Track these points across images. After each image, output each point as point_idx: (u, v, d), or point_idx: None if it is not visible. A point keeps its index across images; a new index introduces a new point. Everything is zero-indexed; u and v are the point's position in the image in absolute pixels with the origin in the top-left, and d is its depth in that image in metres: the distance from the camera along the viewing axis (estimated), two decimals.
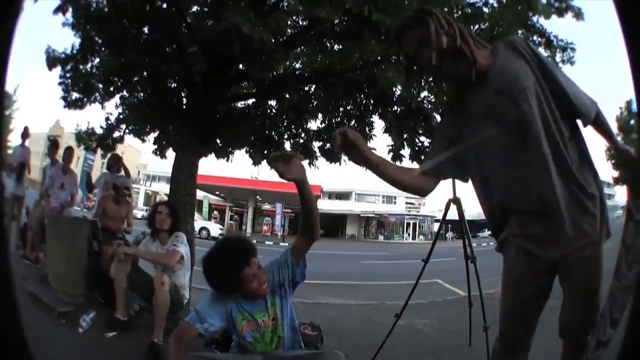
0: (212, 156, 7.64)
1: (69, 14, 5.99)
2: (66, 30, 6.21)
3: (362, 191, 45.78)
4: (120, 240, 4.75)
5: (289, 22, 6.70)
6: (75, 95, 7.16)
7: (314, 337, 4.03)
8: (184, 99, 6.81)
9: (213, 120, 6.22)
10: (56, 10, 5.91)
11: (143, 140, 7.96)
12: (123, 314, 4.11)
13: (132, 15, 5.38)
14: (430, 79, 3.64)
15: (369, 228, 47.42)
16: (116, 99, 7.57)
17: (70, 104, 7.16)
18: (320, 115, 7.43)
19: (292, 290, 2.53)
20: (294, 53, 6.83)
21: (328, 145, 7.40)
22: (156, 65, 6.24)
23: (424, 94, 6.31)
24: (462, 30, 1.73)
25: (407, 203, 47.13)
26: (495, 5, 5.22)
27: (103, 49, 6.31)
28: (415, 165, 6.18)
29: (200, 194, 28.12)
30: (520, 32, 5.14)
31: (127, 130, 7.85)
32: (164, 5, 5.56)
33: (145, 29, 5.98)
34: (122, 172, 6.77)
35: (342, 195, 46.86)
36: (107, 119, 7.63)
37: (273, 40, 4.51)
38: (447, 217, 4.36)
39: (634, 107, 20.43)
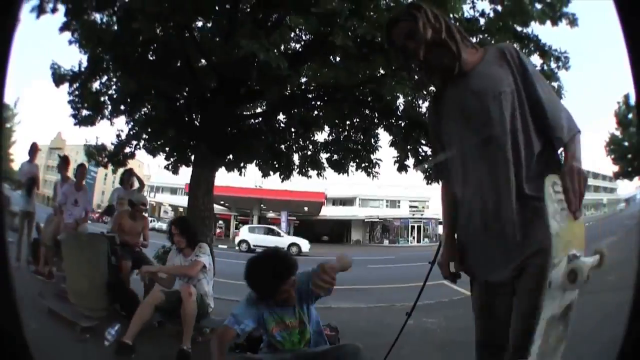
0: (222, 169, 7.81)
1: (69, 32, 6.30)
2: (63, 42, 6.43)
3: (366, 196, 45.74)
4: (147, 266, 4.90)
5: (292, 35, 6.93)
6: (85, 112, 7.37)
7: (332, 337, 4.28)
8: (195, 116, 7.03)
9: (227, 137, 6.51)
10: (62, 29, 6.14)
11: (154, 156, 8.18)
12: (131, 340, 3.90)
13: (145, 39, 5.60)
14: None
15: (373, 233, 47.26)
16: (125, 115, 7.78)
17: (80, 121, 7.38)
18: (326, 128, 7.73)
19: (314, 300, 2.85)
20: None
21: (335, 156, 7.64)
22: (168, 86, 6.50)
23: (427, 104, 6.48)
24: (449, 25, 1.75)
25: (410, 206, 47.05)
26: (492, 15, 5.43)
27: (115, 70, 6.53)
28: (419, 173, 6.54)
29: None
30: (515, 44, 5.30)
31: (138, 146, 8.07)
32: (174, 29, 5.79)
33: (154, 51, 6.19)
34: (136, 183, 6.91)
35: (346, 201, 46.81)
36: (118, 135, 7.87)
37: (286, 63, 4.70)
38: None
39: (632, 101, 20.55)
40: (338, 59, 6.29)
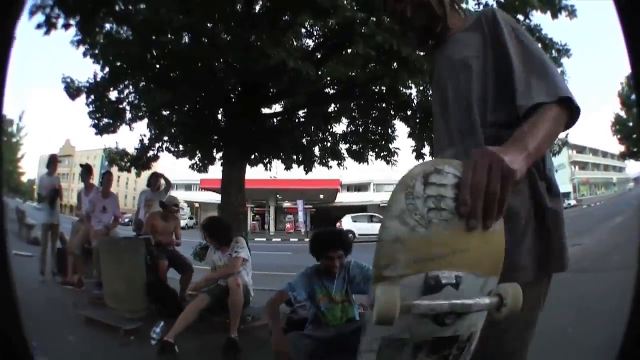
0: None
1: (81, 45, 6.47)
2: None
3: (380, 181, 45.69)
4: (194, 283, 5.15)
5: (304, 31, 7.07)
6: (105, 120, 7.59)
7: None
8: (219, 117, 7.29)
9: (255, 136, 6.86)
10: (79, 43, 6.31)
11: (177, 157, 8.47)
12: (173, 339, 3.93)
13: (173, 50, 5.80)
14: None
15: None
16: (147, 120, 8.02)
17: (101, 130, 7.60)
18: (344, 120, 8.05)
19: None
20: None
21: (354, 147, 7.97)
22: (195, 92, 6.75)
23: None
24: None
25: None
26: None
27: (147, 82, 6.81)
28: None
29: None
30: None
31: (160, 149, 8.34)
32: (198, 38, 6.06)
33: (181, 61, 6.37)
34: (163, 184, 7.05)
35: (361, 187, 46.92)
36: (141, 140, 8.09)
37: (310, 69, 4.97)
38: None
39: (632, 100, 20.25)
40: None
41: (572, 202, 43.00)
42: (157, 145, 8.30)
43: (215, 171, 7.12)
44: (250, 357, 4.01)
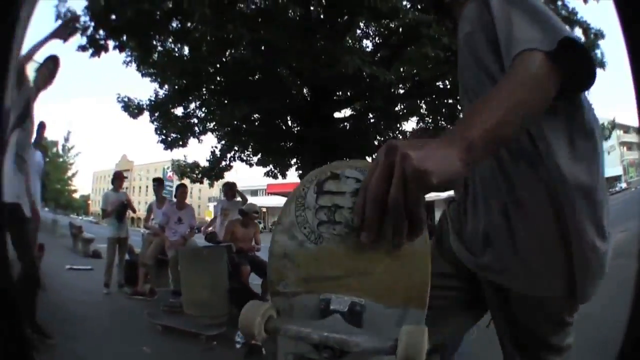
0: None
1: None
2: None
3: None
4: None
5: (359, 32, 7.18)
6: (173, 135, 7.89)
7: None
8: (290, 124, 7.54)
9: (331, 140, 7.02)
10: (139, 64, 6.55)
11: (251, 166, 8.88)
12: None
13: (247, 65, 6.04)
14: None
15: None
16: (217, 133, 8.38)
17: (170, 144, 7.94)
18: (413, 118, 8.18)
19: None
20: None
21: None
22: (268, 102, 6.92)
23: None
24: None
25: None
26: None
27: (223, 97, 7.07)
28: None
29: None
30: None
31: (233, 159, 8.64)
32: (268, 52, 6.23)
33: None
34: (238, 197, 7.17)
35: None
36: (212, 152, 8.41)
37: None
38: None
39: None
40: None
41: (623, 185, 40.91)
42: (228, 155, 8.57)
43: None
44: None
